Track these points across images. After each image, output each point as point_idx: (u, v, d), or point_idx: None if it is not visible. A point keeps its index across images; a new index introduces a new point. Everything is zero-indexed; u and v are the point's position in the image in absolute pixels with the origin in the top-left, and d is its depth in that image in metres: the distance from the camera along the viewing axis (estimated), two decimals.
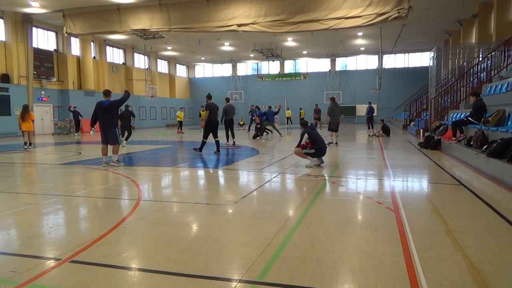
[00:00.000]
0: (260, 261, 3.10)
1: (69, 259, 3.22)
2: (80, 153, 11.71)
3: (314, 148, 8.49)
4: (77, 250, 3.40)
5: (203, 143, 11.31)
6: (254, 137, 17.13)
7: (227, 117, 14.27)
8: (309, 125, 8.84)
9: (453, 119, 12.17)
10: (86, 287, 2.70)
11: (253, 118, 20.13)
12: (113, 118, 8.84)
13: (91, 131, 9.16)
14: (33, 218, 4.64)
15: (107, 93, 9.09)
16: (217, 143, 11.29)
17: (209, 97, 11.38)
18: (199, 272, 2.94)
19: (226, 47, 33.72)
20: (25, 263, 3.15)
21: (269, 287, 2.68)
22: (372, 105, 23.87)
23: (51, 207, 5.11)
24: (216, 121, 11.24)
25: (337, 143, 13.42)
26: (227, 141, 14.43)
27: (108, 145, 8.89)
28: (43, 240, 3.83)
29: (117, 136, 8.91)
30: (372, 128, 21.93)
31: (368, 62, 39.04)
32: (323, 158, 8.68)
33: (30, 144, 13.96)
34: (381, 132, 17.87)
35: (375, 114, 23.88)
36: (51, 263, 3.16)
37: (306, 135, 8.56)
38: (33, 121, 14.11)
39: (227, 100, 14.69)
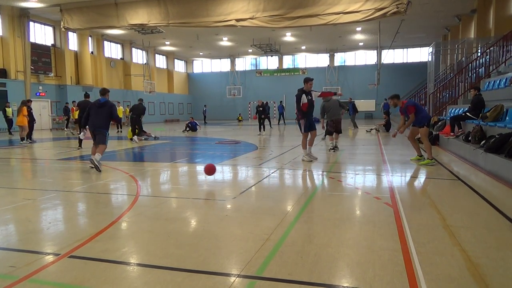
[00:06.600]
0: (259, 256, 3.10)
1: (67, 254, 3.22)
2: (79, 148, 11.68)
3: (304, 116, 8.35)
4: (76, 245, 3.40)
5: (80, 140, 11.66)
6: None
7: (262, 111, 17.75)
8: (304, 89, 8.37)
9: (451, 115, 12.19)
10: (84, 282, 2.71)
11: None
12: (105, 118, 8.01)
13: (82, 133, 8.83)
14: (32, 213, 4.64)
15: (103, 92, 8.21)
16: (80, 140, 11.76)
17: (86, 95, 11.84)
18: (198, 267, 2.94)
19: (225, 42, 33.60)
20: (24, 258, 3.15)
21: (268, 281, 2.69)
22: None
23: (50, 203, 5.11)
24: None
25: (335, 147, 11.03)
26: (260, 132, 17.43)
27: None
28: (41, 235, 3.83)
29: (107, 138, 8.12)
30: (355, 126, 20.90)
31: (367, 57, 39.01)
32: (316, 155, 8.48)
33: (21, 139, 14.00)
34: (382, 126, 17.86)
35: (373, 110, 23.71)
36: (49, 258, 3.16)
37: (304, 96, 8.27)
38: (24, 115, 14.09)
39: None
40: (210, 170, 6.57)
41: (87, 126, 8.19)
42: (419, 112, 7.98)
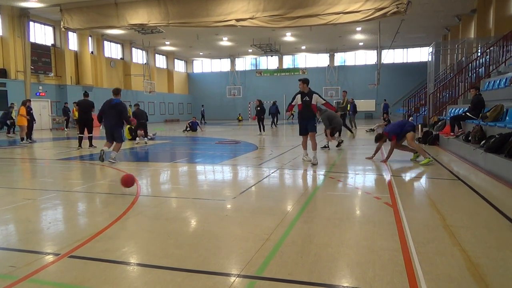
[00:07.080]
0: (259, 256, 3.10)
1: (67, 254, 3.22)
2: (79, 148, 11.68)
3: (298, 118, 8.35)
4: (76, 245, 3.40)
5: (80, 138, 11.89)
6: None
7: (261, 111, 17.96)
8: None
9: (451, 114, 12.19)
10: (84, 282, 2.71)
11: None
12: (116, 119, 8.73)
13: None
14: (32, 213, 4.64)
15: (116, 92, 8.89)
16: (90, 138, 11.98)
17: (86, 95, 12.18)
18: (198, 267, 2.95)
19: (225, 42, 33.59)
20: (24, 258, 3.16)
21: (268, 281, 2.69)
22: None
23: (50, 202, 5.11)
24: (87, 118, 11.84)
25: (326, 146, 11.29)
26: (260, 132, 17.52)
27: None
28: (41, 235, 3.83)
29: (122, 135, 9.08)
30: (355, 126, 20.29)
31: (367, 57, 38.99)
32: (318, 159, 8.31)
33: (21, 139, 14.02)
34: (384, 126, 17.73)
35: (374, 110, 23.51)
36: (50, 258, 3.16)
37: (299, 97, 8.04)
38: (22, 115, 14.13)
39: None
40: (127, 182, 5.63)
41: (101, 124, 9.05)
42: (401, 129, 8.24)
